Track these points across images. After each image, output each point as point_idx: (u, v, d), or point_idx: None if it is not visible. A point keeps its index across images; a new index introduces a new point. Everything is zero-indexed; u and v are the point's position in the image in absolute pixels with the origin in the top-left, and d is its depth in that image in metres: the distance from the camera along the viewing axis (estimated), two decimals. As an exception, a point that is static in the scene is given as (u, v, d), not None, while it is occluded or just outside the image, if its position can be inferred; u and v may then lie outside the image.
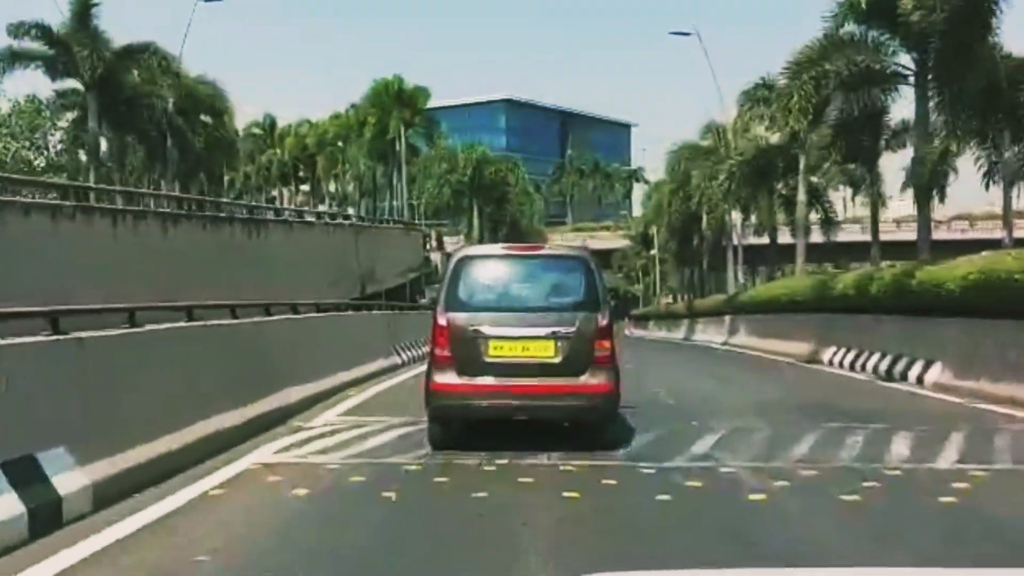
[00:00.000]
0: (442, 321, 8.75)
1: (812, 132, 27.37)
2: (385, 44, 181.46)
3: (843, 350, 20.13)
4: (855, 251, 58.70)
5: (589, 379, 8.61)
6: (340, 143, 61.50)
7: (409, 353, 19.45)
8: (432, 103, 62.33)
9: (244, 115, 73.16)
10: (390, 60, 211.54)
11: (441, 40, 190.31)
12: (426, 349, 10.70)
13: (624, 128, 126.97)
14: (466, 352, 8.65)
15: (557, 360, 8.62)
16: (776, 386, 16.92)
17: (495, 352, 8.63)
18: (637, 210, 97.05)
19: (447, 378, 8.67)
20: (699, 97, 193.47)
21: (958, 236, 56.54)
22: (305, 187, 74.33)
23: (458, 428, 9.05)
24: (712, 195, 38.65)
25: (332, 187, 68.93)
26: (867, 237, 31.93)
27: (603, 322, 8.74)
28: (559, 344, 8.63)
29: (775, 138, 33.49)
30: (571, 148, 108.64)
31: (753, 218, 40.29)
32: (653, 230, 69.24)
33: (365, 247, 39.59)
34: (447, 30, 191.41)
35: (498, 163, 53.53)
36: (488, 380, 8.65)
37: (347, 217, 45.63)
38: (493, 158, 53.82)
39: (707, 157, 40.40)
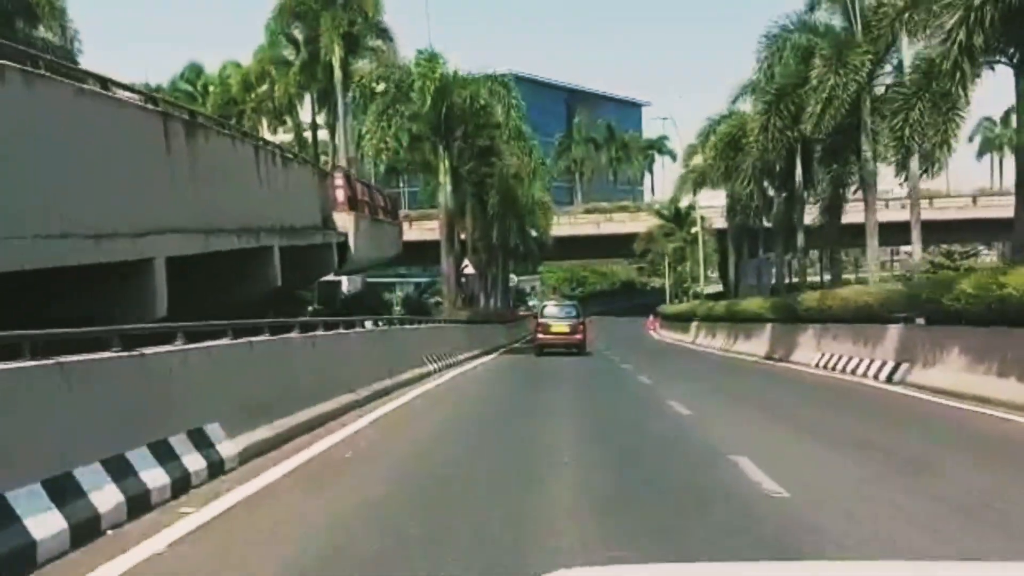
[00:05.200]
0: (539, 320, 33.78)
1: None
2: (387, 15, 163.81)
3: None
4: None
5: (579, 336, 32.79)
6: (266, 84, 44.34)
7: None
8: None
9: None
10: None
11: (444, 12, 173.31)
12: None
13: (635, 107, 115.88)
14: (544, 327, 33.00)
15: (568, 330, 32.85)
16: None
17: (552, 329, 32.94)
18: (659, 190, 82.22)
19: (540, 334, 32.86)
20: (714, 77, 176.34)
21: None
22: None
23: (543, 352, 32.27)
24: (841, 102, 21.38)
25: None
26: None
27: (581, 321, 33.49)
28: (569, 326, 33.00)
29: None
30: (578, 116, 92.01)
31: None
32: (696, 200, 52.56)
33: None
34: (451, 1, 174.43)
35: (473, 84, 32.17)
36: (550, 336, 32.74)
37: None
38: (466, 78, 32.07)
39: (844, 51, 23.39)
